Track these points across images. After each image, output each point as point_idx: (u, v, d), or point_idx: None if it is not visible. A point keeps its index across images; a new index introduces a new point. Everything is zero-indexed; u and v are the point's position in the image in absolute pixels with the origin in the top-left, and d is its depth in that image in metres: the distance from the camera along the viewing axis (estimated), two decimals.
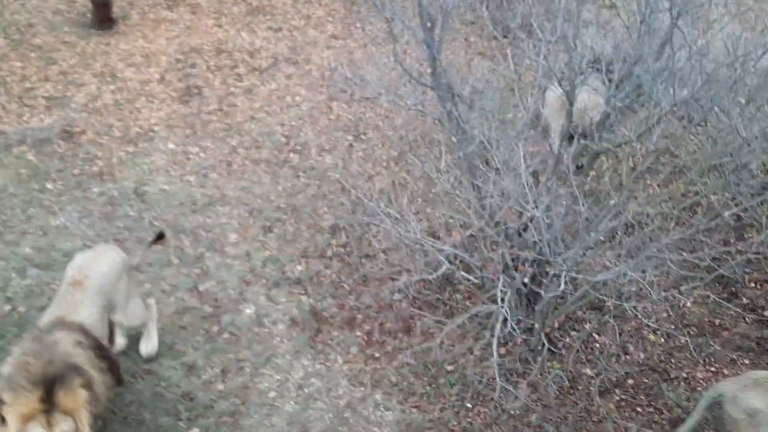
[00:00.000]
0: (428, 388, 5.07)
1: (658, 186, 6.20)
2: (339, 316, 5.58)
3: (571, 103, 5.18)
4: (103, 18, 8.23)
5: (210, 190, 6.52)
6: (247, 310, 5.54)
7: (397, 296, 5.61)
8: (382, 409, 4.94)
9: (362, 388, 5.07)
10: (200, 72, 7.81)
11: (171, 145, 6.92)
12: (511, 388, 4.81)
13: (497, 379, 4.54)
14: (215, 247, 6.01)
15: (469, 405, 4.94)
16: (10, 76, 7.32)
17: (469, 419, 4.86)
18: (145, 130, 7.01)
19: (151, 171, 6.61)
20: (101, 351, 4.09)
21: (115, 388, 4.28)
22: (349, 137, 7.27)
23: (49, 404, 3.43)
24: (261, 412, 4.86)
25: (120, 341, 4.88)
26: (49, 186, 6.29)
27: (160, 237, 5.09)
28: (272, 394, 4.99)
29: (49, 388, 3.46)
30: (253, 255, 5.99)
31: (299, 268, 5.93)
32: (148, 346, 4.95)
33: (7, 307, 5.25)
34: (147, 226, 6.06)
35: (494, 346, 4.43)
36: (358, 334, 5.47)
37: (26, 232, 5.85)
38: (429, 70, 5.02)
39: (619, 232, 4.65)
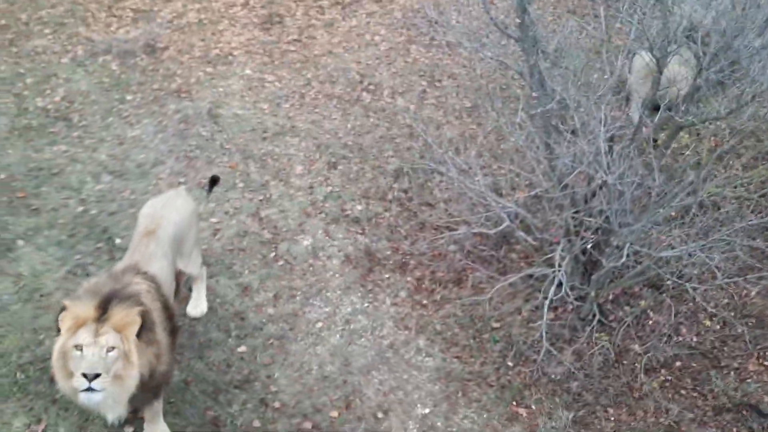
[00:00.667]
0: (472, 341, 5.10)
1: (739, 169, 5.93)
2: (392, 259, 5.63)
3: (661, 72, 4.96)
4: None
5: (281, 120, 6.59)
6: (305, 242, 5.65)
7: (452, 247, 5.61)
8: (424, 354, 5.01)
9: (406, 332, 5.14)
10: (284, 0, 7.79)
11: (248, 71, 6.99)
12: (555, 353, 4.80)
13: (543, 341, 4.52)
14: (280, 177, 6.11)
15: (510, 363, 4.96)
16: None
17: (508, 377, 4.89)
18: (224, 53, 7.09)
19: (227, 94, 6.71)
20: (168, 311, 3.99)
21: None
22: (424, 82, 7.18)
23: (102, 314, 3.40)
24: (307, 340, 5.00)
25: (198, 309, 4.89)
26: (128, 97, 6.49)
27: (214, 181, 5.01)
28: (319, 324, 5.12)
29: (106, 301, 3.44)
30: (315, 189, 6.08)
31: (359, 207, 5.98)
32: (197, 308, 4.89)
33: (80, 209, 5.50)
34: (218, 148, 6.20)
35: (545, 309, 4.40)
36: (409, 279, 5.51)
37: (104, 139, 6.07)
38: (515, 22, 4.87)
39: (692, 211, 4.48)
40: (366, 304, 5.30)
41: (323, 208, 5.93)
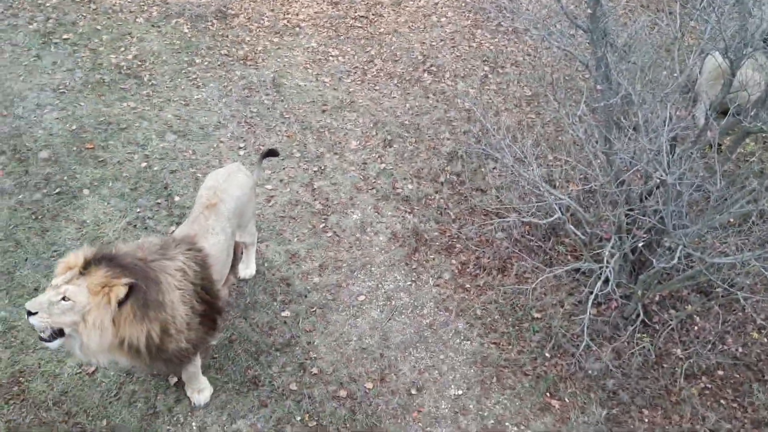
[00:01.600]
0: (511, 329, 5.12)
1: None
2: (438, 241, 5.67)
3: (733, 75, 4.82)
4: None
5: (341, 95, 6.67)
6: (354, 216, 5.74)
7: (500, 234, 5.61)
8: (462, 337, 5.06)
9: (446, 314, 5.19)
10: None
11: (313, 44, 7.08)
12: (595, 348, 4.78)
13: (584, 336, 4.51)
14: (336, 150, 6.20)
15: (547, 354, 4.96)
16: None
17: (544, 368, 4.89)
18: (292, 25, 7.19)
19: (291, 65, 6.82)
20: (207, 293, 3.91)
21: (208, 335, 4.07)
22: (486, 68, 7.14)
23: (86, 269, 3.41)
24: (348, 311, 5.10)
25: (248, 271, 5.05)
26: (197, 60, 6.65)
27: (271, 153, 5.08)
28: (362, 297, 5.21)
29: (95, 260, 3.43)
30: (369, 165, 6.14)
31: (410, 186, 6.03)
32: (246, 270, 5.05)
33: (144, 164, 5.71)
34: (278, 117, 6.32)
35: (589, 304, 4.38)
36: (453, 262, 5.55)
37: (171, 99, 6.26)
38: (586, 13, 4.80)
39: (751, 219, 4.37)
40: (409, 283, 5.36)
41: (375, 184, 6.00)
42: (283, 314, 4.98)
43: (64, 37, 6.53)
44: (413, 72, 7.04)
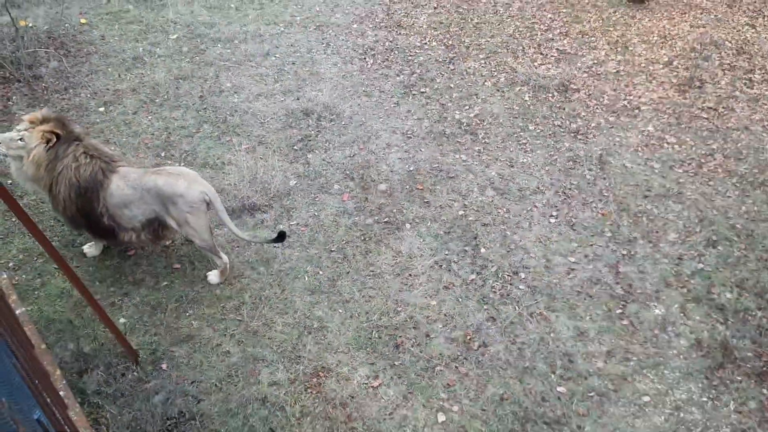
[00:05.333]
0: None
1: None
2: (751, 363, 5.01)
3: None
4: None
5: (669, 183, 6.36)
6: (656, 311, 5.39)
7: None
8: None
9: None
10: (710, 66, 7.47)
11: (650, 128, 6.90)
12: None
13: None
14: (650, 238, 5.92)
15: None
16: (538, 24, 8.17)
17: None
18: (632, 106, 7.12)
19: (621, 145, 6.74)
20: (84, 199, 5.01)
21: (90, 231, 5.31)
22: None
23: (41, 123, 4.97)
24: (628, 408, 4.79)
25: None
26: (530, 127, 6.98)
27: (280, 237, 5.34)
28: (646, 398, 4.85)
29: (51, 119, 5.00)
30: (685, 261, 5.73)
31: (728, 295, 5.46)
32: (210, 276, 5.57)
33: (461, 212, 6.15)
34: (596, 193, 6.28)
35: None
36: (765, 391, 4.84)
37: (498, 158, 6.66)
38: None
39: None
40: (705, 399, 4.83)
41: (687, 283, 5.57)
42: (558, 389, 4.88)
43: (422, 90, 7.41)
44: (758, 174, 6.40)
